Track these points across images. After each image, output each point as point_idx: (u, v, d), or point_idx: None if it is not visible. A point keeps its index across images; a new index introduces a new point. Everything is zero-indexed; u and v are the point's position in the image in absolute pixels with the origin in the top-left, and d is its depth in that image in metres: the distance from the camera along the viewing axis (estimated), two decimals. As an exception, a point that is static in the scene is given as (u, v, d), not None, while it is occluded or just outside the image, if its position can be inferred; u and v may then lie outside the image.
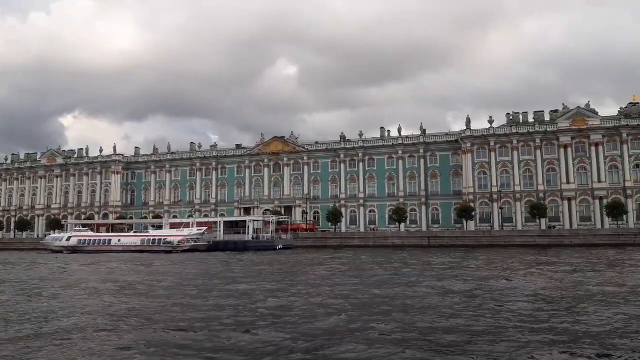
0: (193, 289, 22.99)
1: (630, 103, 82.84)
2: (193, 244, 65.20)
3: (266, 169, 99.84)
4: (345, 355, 10.57)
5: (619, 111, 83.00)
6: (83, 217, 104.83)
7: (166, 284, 25.63)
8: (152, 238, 67.91)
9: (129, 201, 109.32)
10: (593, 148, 79.55)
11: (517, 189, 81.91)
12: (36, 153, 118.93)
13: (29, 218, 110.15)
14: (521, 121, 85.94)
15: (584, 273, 28.11)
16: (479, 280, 25.05)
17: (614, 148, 79.12)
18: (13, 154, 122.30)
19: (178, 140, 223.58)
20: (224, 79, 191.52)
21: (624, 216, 73.66)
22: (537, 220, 77.79)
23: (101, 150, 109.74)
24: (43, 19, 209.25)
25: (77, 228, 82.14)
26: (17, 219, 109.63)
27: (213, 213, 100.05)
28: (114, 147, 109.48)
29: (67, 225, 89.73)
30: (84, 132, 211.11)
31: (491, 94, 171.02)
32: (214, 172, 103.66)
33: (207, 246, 65.76)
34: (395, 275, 28.63)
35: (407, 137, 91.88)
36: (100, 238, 71.36)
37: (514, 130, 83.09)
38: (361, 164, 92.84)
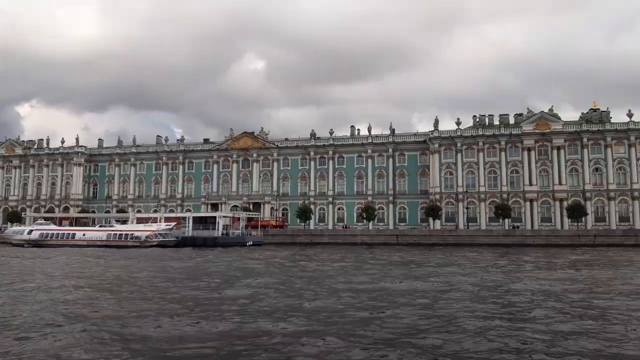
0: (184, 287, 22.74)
1: (591, 109, 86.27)
2: (161, 239, 64.08)
3: (235, 165, 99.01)
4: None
5: (580, 116, 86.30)
6: (42, 210, 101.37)
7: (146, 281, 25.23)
8: (118, 233, 66.33)
9: (91, 194, 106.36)
10: (555, 151, 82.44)
11: (482, 189, 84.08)
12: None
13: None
14: (487, 123, 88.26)
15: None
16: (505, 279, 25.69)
17: (574, 152, 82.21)
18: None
19: (140, 133, 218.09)
20: (189, 71, 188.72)
21: (583, 218, 76.66)
22: (500, 220, 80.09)
23: (63, 141, 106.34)
24: (2, 2, 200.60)
25: (38, 221, 79.33)
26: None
27: (179, 208, 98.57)
28: (77, 138, 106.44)
29: (26, 218, 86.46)
30: (41, 122, 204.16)
31: (455, 96, 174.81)
32: (181, 167, 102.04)
33: (176, 242, 64.72)
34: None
35: (376, 136, 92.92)
36: (63, 232, 69.14)
37: (480, 133, 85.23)
38: (331, 162, 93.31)
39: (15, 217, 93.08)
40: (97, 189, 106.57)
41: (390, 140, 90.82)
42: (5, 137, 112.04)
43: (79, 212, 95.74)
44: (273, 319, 14.25)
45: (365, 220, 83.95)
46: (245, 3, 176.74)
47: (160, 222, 69.17)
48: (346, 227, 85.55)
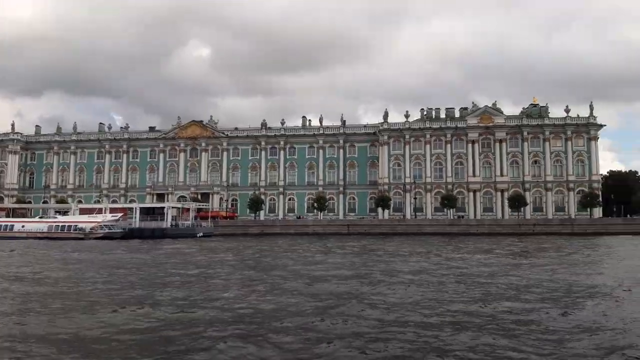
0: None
1: (531, 104, 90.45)
2: (107, 230, 61.81)
3: (182, 154, 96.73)
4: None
5: (521, 111, 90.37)
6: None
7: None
8: (61, 224, 63.34)
9: (27, 184, 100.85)
10: (497, 144, 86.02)
11: (429, 180, 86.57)
12: None
13: None
14: (434, 117, 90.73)
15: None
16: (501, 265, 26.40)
17: (515, 145, 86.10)
18: None
19: (78, 119, 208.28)
20: (130, 56, 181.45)
21: (523, 208, 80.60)
22: (445, 210, 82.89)
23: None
24: None
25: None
26: None
27: (122, 198, 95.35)
28: (12, 125, 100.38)
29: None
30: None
31: (402, 89, 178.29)
32: (125, 155, 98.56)
33: (123, 233, 62.62)
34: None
35: (327, 127, 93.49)
36: (1, 223, 65.24)
37: (428, 125, 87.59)
38: (282, 152, 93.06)
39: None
40: (33, 178, 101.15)
41: (341, 131, 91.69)
42: None
43: (15, 202, 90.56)
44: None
45: (316, 211, 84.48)
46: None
47: (105, 213, 66.64)
48: (299, 218, 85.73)
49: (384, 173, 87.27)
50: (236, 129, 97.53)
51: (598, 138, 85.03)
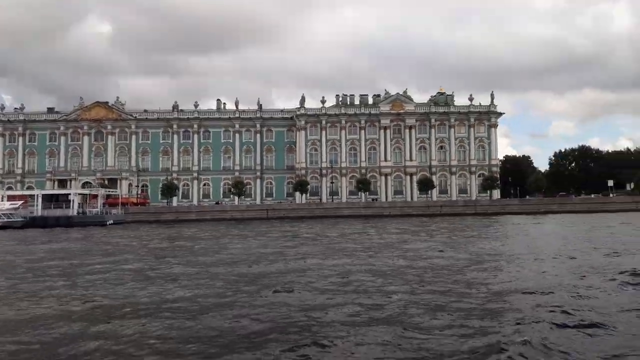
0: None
1: (438, 92, 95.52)
2: (5, 220, 56.74)
3: (86, 137, 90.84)
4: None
5: (429, 99, 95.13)
6: None
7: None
8: (-51, 214, 57.06)
9: None
10: (407, 130, 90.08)
11: (344, 165, 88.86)
12: None
13: None
14: (348, 103, 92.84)
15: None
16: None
17: (423, 131, 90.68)
18: None
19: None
20: (21, 31, 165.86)
21: (430, 190, 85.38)
22: (359, 194, 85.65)
23: None
24: None
25: None
26: None
27: (19, 185, 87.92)
28: None
29: None
30: None
31: (315, 75, 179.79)
32: (21, 139, 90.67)
33: (23, 222, 57.85)
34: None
35: (244, 111, 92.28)
36: None
37: (343, 111, 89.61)
38: (196, 136, 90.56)
39: None
40: None
41: (258, 115, 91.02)
42: None
43: None
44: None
45: (232, 196, 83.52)
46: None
47: (3, 200, 61.10)
48: (217, 203, 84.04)
49: (301, 158, 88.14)
50: (145, 111, 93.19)
51: (497, 125, 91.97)
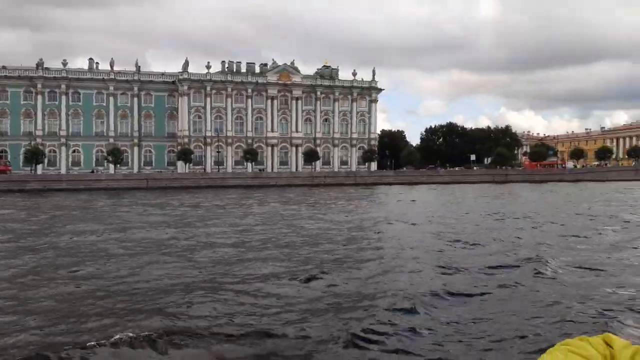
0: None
1: (324, 66, 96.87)
2: None
3: None
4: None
5: (315, 72, 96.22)
6: None
7: None
8: None
9: None
10: (294, 102, 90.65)
11: (230, 134, 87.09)
12: None
13: None
14: (235, 70, 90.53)
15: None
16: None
17: (309, 103, 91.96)
18: None
19: None
20: None
21: (314, 162, 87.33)
22: (245, 164, 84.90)
23: None
24: None
25: None
26: None
27: None
28: None
29: None
30: None
31: (195, 38, 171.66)
32: None
33: None
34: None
35: (119, 72, 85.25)
36: None
37: (230, 79, 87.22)
38: (64, 97, 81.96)
39: None
40: None
41: (136, 78, 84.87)
42: None
43: None
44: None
45: (107, 164, 77.79)
46: None
47: None
48: (93, 172, 77.33)
49: (183, 125, 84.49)
50: (4, 67, 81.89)
51: (377, 101, 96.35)
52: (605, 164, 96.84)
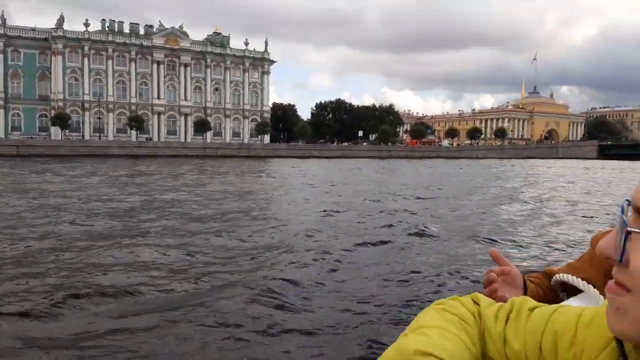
0: None
1: (215, 32, 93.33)
2: None
3: None
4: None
5: (205, 38, 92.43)
6: None
7: None
8: None
9: None
10: (182, 68, 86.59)
11: (111, 99, 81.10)
12: None
13: None
14: (117, 30, 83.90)
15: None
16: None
17: (199, 70, 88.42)
18: None
19: None
20: None
21: (205, 132, 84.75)
22: (129, 131, 79.82)
23: None
24: None
25: None
26: None
27: None
28: None
29: None
30: None
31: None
32: None
33: None
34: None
35: (-21, 24, 74.72)
36: None
37: (110, 39, 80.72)
38: None
39: None
40: None
41: (2, 32, 74.93)
42: None
43: None
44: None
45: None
46: None
47: None
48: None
49: (57, 87, 76.82)
50: None
51: (270, 73, 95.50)
52: (477, 143, 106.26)
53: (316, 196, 20.41)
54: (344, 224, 12.71)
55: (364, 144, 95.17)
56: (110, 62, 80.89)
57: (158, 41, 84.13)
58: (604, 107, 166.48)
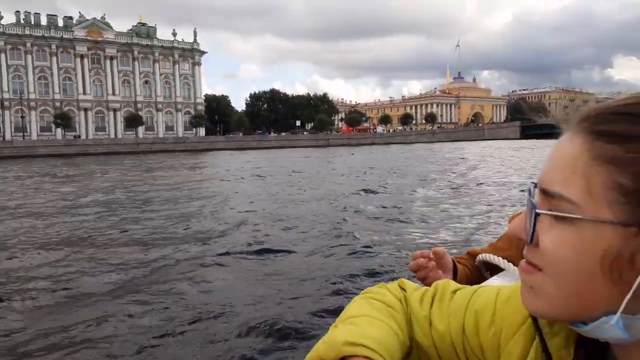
0: None
1: (139, 23, 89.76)
2: None
3: None
4: None
5: (130, 29, 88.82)
6: None
7: None
8: None
9: None
10: (108, 61, 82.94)
11: (32, 96, 76.49)
12: None
13: None
14: (33, 22, 78.97)
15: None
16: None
17: (126, 63, 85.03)
18: None
19: None
20: None
21: (137, 128, 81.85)
22: (54, 130, 75.73)
23: None
24: None
25: None
26: None
27: None
28: None
29: None
30: None
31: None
32: None
33: None
34: None
35: None
36: None
37: (28, 32, 75.86)
38: None
39: None
40: None
41: None
42: None
43: None
44: None
45: None
46: None
47: None
48: None
49: (-29, 85, 71.53)
50: None
51: (201, 64, 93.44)
52: (411, 128, 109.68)
53: (372, 201, 15.91)
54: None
55: (305, 133, 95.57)
56: (29, 57, 76.19)
57: (79, 33, 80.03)
58: (524, 90, 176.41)
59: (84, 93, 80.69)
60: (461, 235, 9.72)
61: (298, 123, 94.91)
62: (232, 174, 28.05)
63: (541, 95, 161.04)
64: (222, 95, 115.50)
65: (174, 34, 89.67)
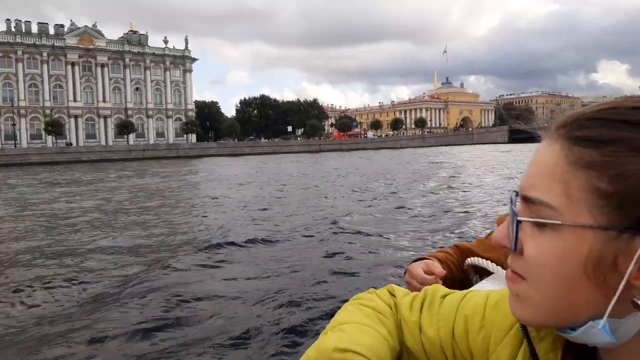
0: None
1: (130, 30, 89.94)
2: None
3: None
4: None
5: (121, 37, 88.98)
6: None
7: None
8: None
9: None
10: (99, 69, 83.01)
11: (23, 104, 76.30)
12: None
13: None
14: (24, 30, 78.88)
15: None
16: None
17: (117, 71, 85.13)
18: None
19: None
20: None
21: (128, 135, 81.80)
22: (45, 137, 75.55)
23: None
24: None
25: None
26: None
27: None
28: None
29: None
30: None
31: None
32: None
33: None
34: None
35: None
36: None
37: (19, 40, 75.80)
38: None
39: None
40: None
41: None
42: None
43: None
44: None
45: None
46: None
47: None
48: None
49: (-38, 93, 71.21)
50: None
51: (192, 70, 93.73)
52: (401, 133, 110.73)
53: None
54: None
55: (298, 139, 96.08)
56: (20, 64, 76.10)
57: (71, 41, 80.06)
58: (511, 94, 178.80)
59: (75, 100, 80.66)
60: (450, 237, 9.47)
61: (290, 129, 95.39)
62: (227, 179, 28.58)
63: (528, 100, 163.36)
64: (212, 101, 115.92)
65: (165, 42, 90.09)
